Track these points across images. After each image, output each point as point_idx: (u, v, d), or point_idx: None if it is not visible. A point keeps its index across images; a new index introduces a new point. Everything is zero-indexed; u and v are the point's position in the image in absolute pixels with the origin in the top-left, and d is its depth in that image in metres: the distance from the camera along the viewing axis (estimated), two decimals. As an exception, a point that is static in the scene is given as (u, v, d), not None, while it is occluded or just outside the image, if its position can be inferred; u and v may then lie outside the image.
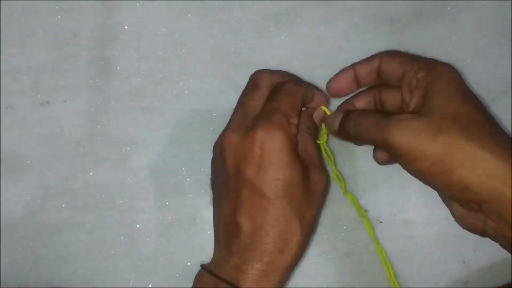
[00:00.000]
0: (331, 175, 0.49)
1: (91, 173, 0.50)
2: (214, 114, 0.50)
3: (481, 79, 0.50)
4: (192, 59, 0.51)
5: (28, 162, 0.50)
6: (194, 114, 0.51)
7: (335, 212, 0.50)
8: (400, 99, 0.44)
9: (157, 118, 0.51)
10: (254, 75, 0.46)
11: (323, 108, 0.47)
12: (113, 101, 0.51)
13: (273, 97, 0.43)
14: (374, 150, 0.47)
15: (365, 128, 0.42)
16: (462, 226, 0.43)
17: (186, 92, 0.51)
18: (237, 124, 0.43)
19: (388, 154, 0.45)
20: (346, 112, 0.44)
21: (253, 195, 0.41)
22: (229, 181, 0.43)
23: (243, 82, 0.50)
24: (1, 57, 0.51)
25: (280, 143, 0.41)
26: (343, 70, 0.47)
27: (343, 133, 0.44)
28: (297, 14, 0.51)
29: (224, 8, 0.51)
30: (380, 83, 0.46)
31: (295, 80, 0.47)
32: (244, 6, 0.51)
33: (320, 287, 0.49)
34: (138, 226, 0.50)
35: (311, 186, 0.43)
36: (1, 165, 0.50)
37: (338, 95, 0.48)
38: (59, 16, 0.51)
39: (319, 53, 0.51)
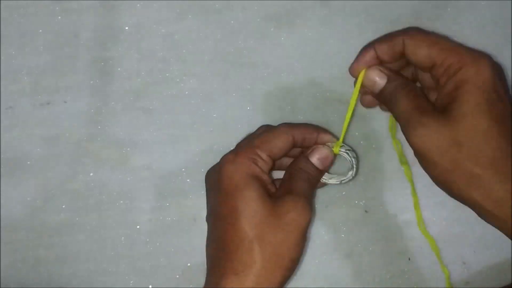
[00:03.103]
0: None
1: (91, 174, 0.50)
2: (215, 115, 0.50)
3: (481, 80, 0.50)
4: (192, 59, 0.51)
5: (28, 162, 0.50)
6: (195, 115, 0.51)
7: (335, 214, 0.50)
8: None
9: (157, 118, 0.51)
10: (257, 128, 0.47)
11: (335, 150, 0.45)
12: (113, 102, 0.51)
13: (255, 135, 0.45)
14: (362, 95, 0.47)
15: (398, 110, 0.42)
16: None
17: (187, 92, 0.51)
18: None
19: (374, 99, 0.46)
20: (389, 79, 0.43)
21: (215, 219, 0.42)
22: (207, 212, 0.44)
23: (243, 83, 0.51)
24: (2, 57, 0.51)
25: (239, 166, 0.41)
26: (363, 52, 0.45)
27: (379, 96, 0.44)
28: (297, 15, 0.51)
29: (225, 9, 0.51)
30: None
31: (289, 123, 0.46)
32: (244, 7, 0.51)
33: (320, 288, 0.50)
34: (138, 226, 0.50)
35: (278, 211, 0.41)
36: (1, 166, 0.50)
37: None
38: (59, 17, 0.51)
39: (319, 54, 0.51)
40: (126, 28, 0.51)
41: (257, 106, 0.50)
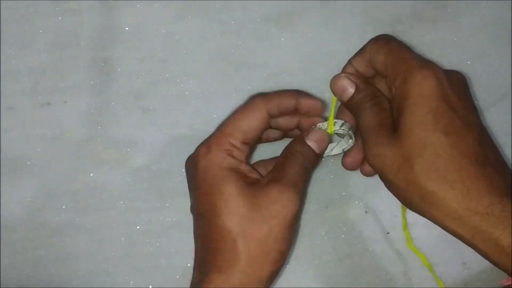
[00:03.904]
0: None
1: (91, 174, 0.50)
2: (215, 115, 0.50)
3: (481, 81, 0.50)
4: (192, 60, 0.51)
5: (28, 163, 0.50)
6: (194, 115, 0.51)
7: (335, 214, 0.50)
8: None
9: (157, 119, 0.51)
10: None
11: (330, 131, 0.44)
12: (113, 102, 0.51)
13: (225, 118, 0.43)
14: (343, 156, 0.46)
15: (361, 124, 0.41)
16: None
17: (187, 93, 0.51)
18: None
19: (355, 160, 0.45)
20: (357, 89, 0.42)
21: (197, 216, 0.41)
22: (191, 204, 0.43)
23: (243, 83, 0.51)
24: (2, 58, 0.51)
25: (212, 162, 0.40)
26: (343, 68, 0.44)
27: (347, 106, 0.43)
28: (297, 16, 0.51)
29: (225, 9, 0.51)
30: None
31: (262, 94, 0.43)
32: (244, 7, 0.51)
33: (320, 288, 0.50)
34: (138, 227, 0.50)
35: (261, 203, 0.39)
36: (2, 166, 0.50)
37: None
38: (59, 18, 0.51)
39: (319, 54, 0.51)
40: (126, 28, 0.51)
41: (257, 106, 0.50)
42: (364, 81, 0.43)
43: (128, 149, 0.50)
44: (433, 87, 0.37)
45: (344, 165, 0.45)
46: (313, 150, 0.43)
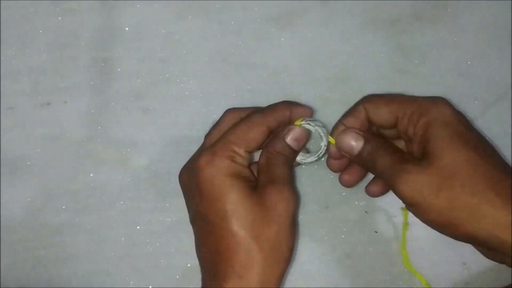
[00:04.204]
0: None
1: (91, 174, 0.50)
2: (215, 116, 0.50)
3: (481, 81, 0.50)
4: (192, 60, 0.51)
5: (28, 163, 0.50)
6: (195, 116, 0.51)
7: (335, 214, 0.50)
8: (397, 133, 0.45)
9: (157, 119, 0.51)
10: (223, 113, 0.46)
11: (297, 123, 0.44)
12: (113, 102, 0.51)
13: (228, 129, 0.43)
14: (368, 184, 0.48)
15: (379, 167, 0.42)
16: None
17: (187, 93, 0.51)
18: (190, 159, 0.44)
19: (380, 188, 0.47)
20: (366, 140, 0.43)
21: (204, 224, 0.42)
22: (190, 215, 0.44)
23: (243, 84, 0.51)
24: (2, 58, 0.51)
25: (218, 168, 0.41)
26: (336, 127, 0.45)
27: (357, 159, 0.44)
28: (297, 16, 0.51)
29: (225, 9, 0.51)
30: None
31: (261, 110, 0.44)
32: (244, 7, 0.51)
33: (320, 288, 0.50)
34: (138, 227, 0.50)
35: (267, 204, 0.40)
36: (2, 166, 0.50)
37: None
38: (59, 18, 0.51)
39: (319, 54, 0.51)
40: (126, 28, 0.51)
41: (257, 106, 0.50)
42: (367, 132, 0.44)
43: (128, 149, 0.50)
44: (451, 113, 0.41)
45: (341, 182, 0.47)
46: (292, 148, 0.44)
